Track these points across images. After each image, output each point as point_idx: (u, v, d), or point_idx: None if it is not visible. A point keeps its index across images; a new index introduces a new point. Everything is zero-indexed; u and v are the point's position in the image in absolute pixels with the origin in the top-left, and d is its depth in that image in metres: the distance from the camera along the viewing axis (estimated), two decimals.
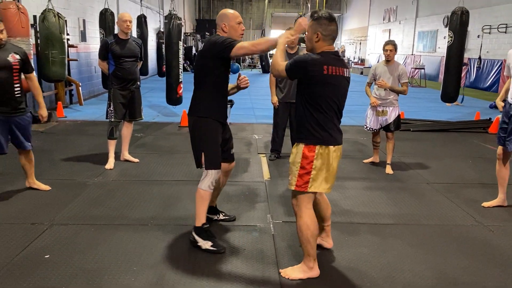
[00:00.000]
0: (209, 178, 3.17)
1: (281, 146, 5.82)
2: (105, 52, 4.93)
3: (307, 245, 2.80)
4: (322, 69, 2.61)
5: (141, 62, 5.28)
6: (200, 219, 3.20)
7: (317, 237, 2.94)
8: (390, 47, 5.10)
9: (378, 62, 26.41)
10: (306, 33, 2.78)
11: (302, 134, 2.74)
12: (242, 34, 3.24)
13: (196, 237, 3.20)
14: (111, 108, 5.01)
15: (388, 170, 5.25)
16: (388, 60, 5.16)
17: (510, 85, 3.94)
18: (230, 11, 3.25)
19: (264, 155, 5.94)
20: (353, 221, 3.78)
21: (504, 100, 4.00)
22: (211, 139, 3.18)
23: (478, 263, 3.10)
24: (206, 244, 3.17)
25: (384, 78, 5.12)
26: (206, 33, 24.89)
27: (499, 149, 4.05)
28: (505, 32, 14.20)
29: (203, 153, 3.15)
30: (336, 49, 2.82)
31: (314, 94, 2.67)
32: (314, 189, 2.74)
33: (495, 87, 14.17)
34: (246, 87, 3.36)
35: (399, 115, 5.27)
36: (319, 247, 3.17)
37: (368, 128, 5.44)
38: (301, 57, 2.69)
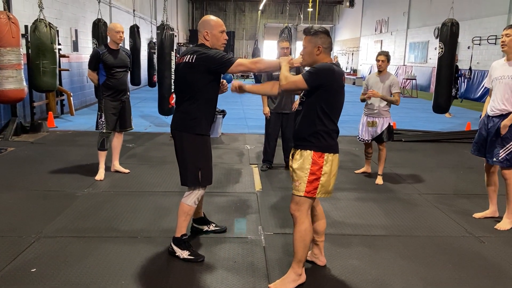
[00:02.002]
0: (195, 194, 3.17)
1: (273, 156, 5.80)
2: (96, 63, 4.89)
3: (303, 251, 2.79)
4: (341, 79, 2.76)
5: (129, 72, 5.26)
6: (181, 231, 3.19)
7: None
8: (382, 57, 5.10)
9: (369, 73, 26.54)
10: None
11: (310, 142, 2.75)
12: (224, 44, 3.19)
13: (175, 247, 3.19)
14: (102, 119, 4.97)
15: (379, 180, 5.25)
16: (380, 71, 5.17)
17: (490, 98, 3.98)
18: (213, 18, 3.15)
19: (256, 165, 5.92)
20: (345, 232, 3.76)
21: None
22: (208, 157, 3.19)
23: (470, 275, 3.09)
24: (183, 254, 3.16)
25: (375, 89, 5.12)
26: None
27: (485, 162, 4.07)
28: (495, 43, 14.38)
29: (200, 171, 3.11)
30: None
31: (330, 103, 2.74)
32: (321, 194, 2.79)
33: (486, 98, 14.29)
34: (225, 92, 3.40)
35: (390, 125, 5.24)
36: (309, 263, 3.15)
37: (360, 139, 5.43)
38: (325, 65, 2.73)
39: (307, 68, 3.21)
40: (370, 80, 5.26)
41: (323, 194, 2.81)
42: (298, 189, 2.77)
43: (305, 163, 2.74)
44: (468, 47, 15.69)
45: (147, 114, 10.35)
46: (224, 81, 3.30)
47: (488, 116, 3.95)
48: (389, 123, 5.23)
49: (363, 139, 5.37)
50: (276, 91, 2.98)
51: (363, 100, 5.29)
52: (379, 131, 5.20)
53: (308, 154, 2.75)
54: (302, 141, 2.79)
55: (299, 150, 2.80)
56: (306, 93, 2.79)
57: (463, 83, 15.66)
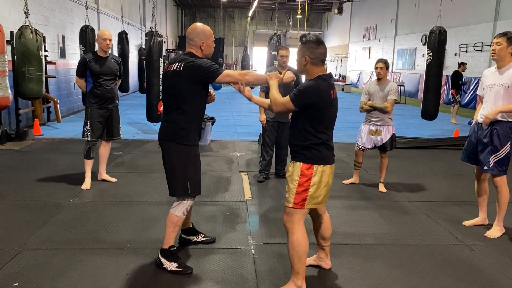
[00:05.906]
0: (184, 205, 3.12)
1: (270, 165, 5.65)
2: (83, 70, 4.82)
3: (298, 263, 2.76)
4: (330, 94, 2.72)
5: (120, 80, 5.19)
6: (168, 242, 3.13)
7: (306, 256, 2.88)
8: (381, 64, 5.02)
9: (358, 79, 26.43)
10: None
11: (301, 154, 2.74)
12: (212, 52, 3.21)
13: (162, 259, 3.13)
14: (88, 127, 4.89)
15: (381, 188, 5.21)
16: (380, 79, 5.08)
17: (481, 106, 3.99)
18: (208, 27, 3.15)
19: (246, 173, 5.86)
20: (335, 242, 3.70)
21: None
22: (196, 167, 3.14)
23: (461, 284, 3.07)
24: (171, 266, 3.09)
25: (376, 97, 5.07)
26: None
27: (476, 169, 4.07)
28: (481, 50, 14.58)
29: (189, 181, 3.06)
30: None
31: (321, 118, 2.72)
32: (310, 206, 2.77)
33: (473, 104, 14.46)
34: (212, 102, 3.39)
35: (394, 134, 5.16)
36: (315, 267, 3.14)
37: (360, 147, 5.29)
38: (309, 85, 2.70)
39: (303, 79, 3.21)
40: (371, 89, 5.16)
41: (314, 205, 2.79)
42: (288, 200, 2.78)
43: (294, 175, 2.75)
44: (455, 54, 15.87)
45: (135, 121, 10.25)
46: (212, 91, 3.27)
47: (478, 123, 3.95)
48: (393, 132, 5.15)
49: (364, 147, 5.26)
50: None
51: (365, 111, 5.22)
52: (384, 140, 5.11)
53: (298, 165, 2.75)
54: (295, 153, 2.80)
55: (292, 161, 2.81)
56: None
57: (448, 90, 15.80)
